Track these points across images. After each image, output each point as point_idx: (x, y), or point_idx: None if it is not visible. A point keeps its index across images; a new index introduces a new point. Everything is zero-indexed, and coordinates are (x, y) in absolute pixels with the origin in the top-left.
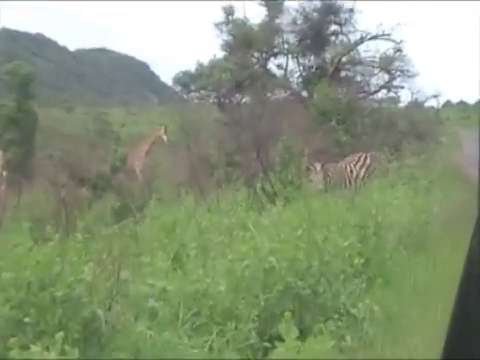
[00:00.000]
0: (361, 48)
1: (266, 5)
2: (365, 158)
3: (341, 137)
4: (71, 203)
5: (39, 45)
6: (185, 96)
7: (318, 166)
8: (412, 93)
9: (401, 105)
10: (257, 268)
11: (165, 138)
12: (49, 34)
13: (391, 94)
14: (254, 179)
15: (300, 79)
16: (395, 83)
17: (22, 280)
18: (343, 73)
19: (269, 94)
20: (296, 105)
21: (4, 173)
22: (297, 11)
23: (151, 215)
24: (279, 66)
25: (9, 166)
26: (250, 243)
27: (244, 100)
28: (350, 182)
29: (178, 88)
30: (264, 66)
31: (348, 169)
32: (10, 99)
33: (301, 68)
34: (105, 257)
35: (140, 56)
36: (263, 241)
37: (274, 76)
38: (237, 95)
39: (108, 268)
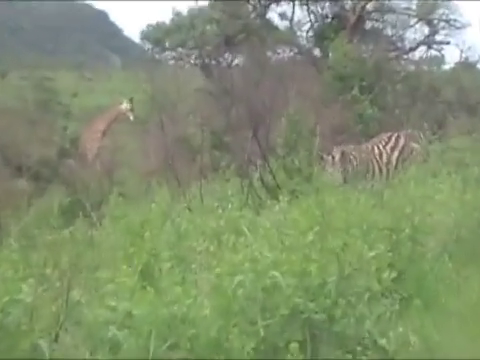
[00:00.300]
0: None
1: None
2: (398, 138)
3: (366, 110)
4: (3, 199)
5: None
6: (157, 56)
7: (336, 153)
8: (461, 51)
9: (446, 67)
10: (254, 285)
11: (130, 113)
12: None
13: (433, 52)
14: (249, 167)
15: (311, 33)
16: (438, 38)
17: None
18: (369, 24)
19: (269, 53)
20: (305, 68)
21: None
22: None
23: (112, 215)
24: (283, 16)
25: None
26: (245, 252)
27: (236, 61)
28: (379, 170)
29: (148, 46)
30: (263, 16)
31: (375, 152)
32: None
33: (312, 18)
34: (50, 271)
35: (97, 3)
36: (262, 249)
37: (276, 29)
38: (227, 55)
39: (54, 286)
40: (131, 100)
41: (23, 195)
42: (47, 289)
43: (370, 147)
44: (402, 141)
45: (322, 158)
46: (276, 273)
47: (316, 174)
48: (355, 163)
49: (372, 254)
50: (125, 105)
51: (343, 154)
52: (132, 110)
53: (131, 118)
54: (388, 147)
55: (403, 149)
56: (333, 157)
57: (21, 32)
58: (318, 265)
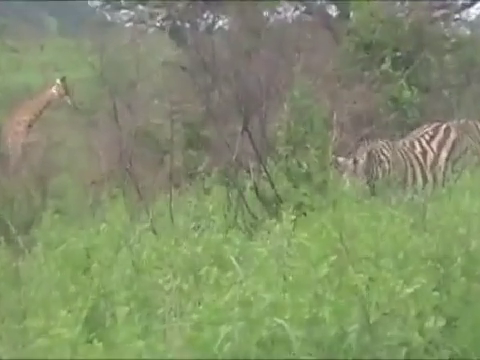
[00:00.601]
0: None
1: None
2: (447, 131)
3: (402, 92)
4: None
5: None
6: (109, 17)
7: (360, 155)
8: None
9: None
10: (246, 338)
11: (66, 97)
12: None
13: None
14: (239, 172)
15: None
16: None
17: None
18: None
19: (266, 12)
20: (317, 33)
21: None
22: None
23: (46, 239)
24: None
25: None
26: (233, 292)
27: (220, 24)
28: (422, 176)
29: (96, 2)
30: None
31: (416, 151)
32: None
33: None
34: None
35: None
36: (257, 288)
37: None
38: (206, 14)
39: None
40: (63, 80)
41: None
42: None
43: (408, 144)
44: (453, 135)
45: (338, 163)
46: (278, 321)
47: (332, 181)
48: (387, 166)
49: (410, 291)
50: (55, 88)
51: (370, 156)
52: (67, 94)
53: (69, 103)
54: (434, 144)
55: (454, 146)
56: (355, 162)
57: None
58: (334, 309)
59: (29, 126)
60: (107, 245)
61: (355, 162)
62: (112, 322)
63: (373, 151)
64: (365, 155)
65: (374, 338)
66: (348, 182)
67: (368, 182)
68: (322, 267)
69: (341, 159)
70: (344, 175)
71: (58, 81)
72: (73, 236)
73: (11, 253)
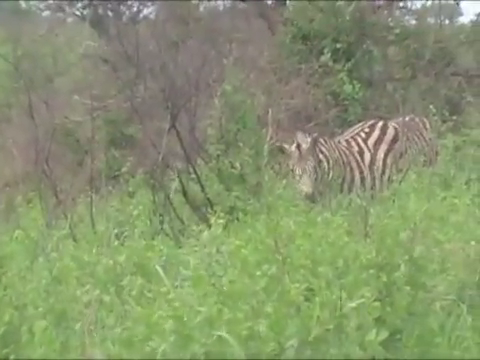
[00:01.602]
0: None
1: None
2: (384, 128)
3: (343, 86)
4: None
5: None
6: (23, 5)
7: (303, 139)
8: None
9: (463, 21)
10: (180, 356)
11: None
12: None
13: None
14: (165, 173)
15: None
16: None
17: None
18: None
19: (196, 0)
20: (251, 22)
21: None
22: None
23: None
24: None
25: None
26: (162, 304)
27: (145, 12)
28: (361, 176)
29: None
30: None
31: (354, 149)
32: None
33: None
34: None
35: None
36: (186, 299)
37: None
38: (130, 2)
39: None
40: None
41: None
42: None
43: (344, 142)
44: (391, 133)
45: (282, 150)
46: (216, 333)
47: (267, 183)
48: (325, 165)
49: (353, 305)
50: None
51: (315, 142)
52: None
53: None
54: (370, 142)
55: (392, 145)
56: (299, 146)
57: None
58: (271, 323)
59: None
60: (22, 253)
61: (299, 147)
62: (28, 337)
63: (317, 139)
64: (309, 141)
65: (314, 353)
66: (297, 174)
67: (315, 169)
68: (258, 277)
69: (286, 146)
70: (291, 165)
71: None
72: None
73: None
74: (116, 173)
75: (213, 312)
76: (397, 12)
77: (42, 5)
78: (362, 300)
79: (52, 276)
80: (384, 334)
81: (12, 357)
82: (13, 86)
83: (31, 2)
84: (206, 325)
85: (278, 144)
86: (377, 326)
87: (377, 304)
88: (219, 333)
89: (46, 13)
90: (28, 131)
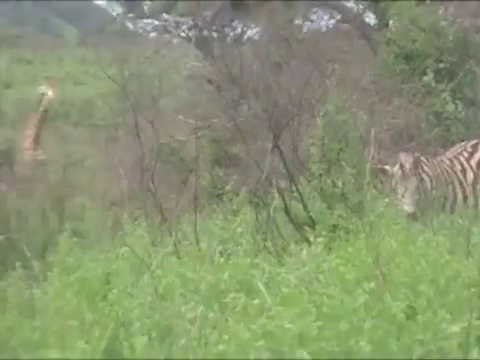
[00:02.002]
0: None
1: None
2: None
3: (445, 105)
4: None
5: None
6: (131, 26)
7: (406, 159)
8: None
9: None
10: None
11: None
12: None
13: None
14: (269, 192)
15: None
16: None
17: None
18: None
19: (298, 21)
20: (354, 42)
21: None
22: None
23: (62, 264)
24: None
25: None
26: (260, 321)
27: (249, 33)
28: (464, 195)
29: (117, 10)
30: None
31: (456, 168)
32: None
33: None
34: None
35: None
36: (285, 316)
37: None
38: (235, 24)
39: None
40: (48, 80)
41: None
42: None
43: (447, 161)
44: None
45: (385, 171)
46: (305, 354)
47: (369, 202)
48: (428, 184)
49: (456, 329)
50: (43, 90)
51: (417, 162)
52: (54, 90)
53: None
54: (473, 162)
55: None
56: (402, 166)
57: None
58: (371, 341)
59: (34, 142)
60: (127, 270)
61: (402, 167)
62: (131, 353)
63: (420, 159)
64: (411, 161)
65: None
66: (399, 194)
67: (418, 188)
68: (357, 294)
69: (388, 167)
70: (394, 186)
71: (42, 90)
72: (91, 261)
73: (25, 279)
74: (220, 191)
75: (307, 329)
76: None
77: (149, 27)
78: (465, 324)
79: (157, 293)
80: None
81: None
82: (120, 106)
83: (138, 24)
84: (299, 342)
85: (380, 166)
86: (478, 346)
87: (478, 323)
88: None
89: (153, 35)
90: (134, 150)
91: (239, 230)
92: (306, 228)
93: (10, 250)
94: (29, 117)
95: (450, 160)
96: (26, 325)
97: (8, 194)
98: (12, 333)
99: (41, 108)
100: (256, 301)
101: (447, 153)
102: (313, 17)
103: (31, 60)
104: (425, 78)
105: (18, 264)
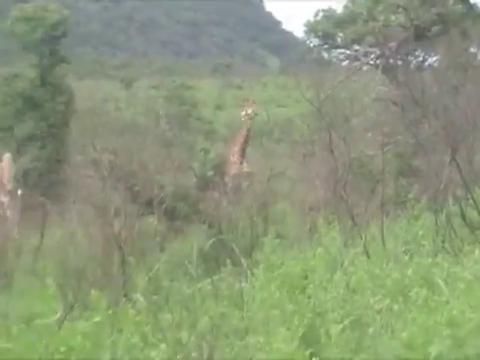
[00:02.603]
0: None
1: None
2: None
3: None
4: (129, 242)
5: None
6: (326, 55)
7: None
8: None
9: None
10: (453, 356)
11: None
12: None
13: None
14: (447, 199)
15: None
16: None
17: None
18: None
19: (474, 49)
20: None
21: (18, 192)
22: None
23: (267, 262)
24: None
25: (26, 180)
26: (441, 312)
27: (430, 61)
28: None
29: (314, 41)
30: (465, 1)
31: None
32: (27, 65)
33: None
34: (186, 336)
35: None
36: (464, 308)
37: None
38: (417, 52)
39: (191, 355)
40: (248, 102)
41: (154, 237)
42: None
43: None
44: None
45: None
46: None
47: None
48: None
49: None
50: (245, 112)
51: None
52: (255, 111)
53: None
54: None
55: None
56: None
57: (152, 28)
58: None
59: (240, 156)
60: (323, 267)
61: None
62: (326, 339)
63: None
64: None
65: None
66: None
67: None
68: None
69: None
70: None
71: (244, 112)
72: (292, 259)
73: (235, 274)
74: (403, 199)
75: None
76: None
77: (342, 56)
78: None
79: (348, 287)
80: None
81: (312, 356)
82: (316, 125)
83: (332, 53)
84: (477, 331)
85: None
86: None
87: None
88: None
89: (345, 63)
90: (328, 163)
91: (420, 233)
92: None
93: (222, 249)
94: (236, 135)
95: None
96: (236, 314)
97: (220, 201)
98: (224, 321)
99: (245, 127)
100: (436, 295)
101: None
102: None
103: (240, 86)
104: None
105: (229, 261)
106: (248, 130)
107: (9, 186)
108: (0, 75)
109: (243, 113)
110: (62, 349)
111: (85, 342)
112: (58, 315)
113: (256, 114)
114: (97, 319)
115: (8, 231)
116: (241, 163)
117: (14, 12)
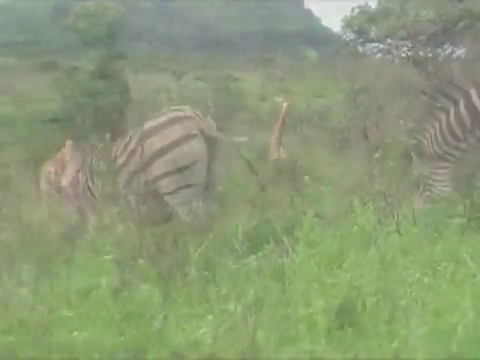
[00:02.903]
0: None
1: None
2: None
3: None
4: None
5: None
6: (360, 49)
7: None
8: None
9: None
10: (476, 326)
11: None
12: None
13: None
14: (474, 181)
15: None
16: None
17: (101, 344)
18: None
19: None
20: None
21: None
22: None
23: (307, 240)
24: None
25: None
26: (465, 284)
27: (457, 53)
28: None
29: (350, 36)
30: None
31: None
32: (87, 59)
33: None
34: (232, 308)
35: None
36: None
37: None
38: (446, 45)
39: (237, 325)
40: (284, 94)
41: (205, 216)
42: (229, 329)
43: None
44: None
45: None
46: None
47: None
48: None
49: None
50: (280, 101)
51: None
52: (291, 102)
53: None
54: None
55: None
56: None
57: (196, 25)
58: None
59: (277, 142)
60: (358, 244)
61: None
62: (361, 310)
63: None
64: None
65: None
66: None
67: None
68: None
69: None
70: None
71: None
72: (329, 237)
73: (278, 251)
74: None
75: None
76: None
77: (375, 49)
78: None
79: (382, 262)
80: None
81: (347, 326)
82: (352, 113)
83: (366, 47)
84: None
85: None
86: None
87: None
88: None
89: (378, 55)
90: (363, 148)
91: (450, 212)
92: None
93: (265, 228)
94: (273, 123)
95: None
96: (278, 287)
97: (264, 183)
98: (267, 294)
99: (280, 116)
100: (462, 269)
101: None
102: None
103: (281, 78)
104: None
105: (271, 239)
106: (283, 119)
107: (71, 171)
108: (62, 68)
109: (278, 102)
110: (116, 317)
111: (139, 308)
112: (114, 286)
113: (290, 105)
114: (146, 287)
115: (68, 213)
116: (277, 150)
117: (76, 9)
